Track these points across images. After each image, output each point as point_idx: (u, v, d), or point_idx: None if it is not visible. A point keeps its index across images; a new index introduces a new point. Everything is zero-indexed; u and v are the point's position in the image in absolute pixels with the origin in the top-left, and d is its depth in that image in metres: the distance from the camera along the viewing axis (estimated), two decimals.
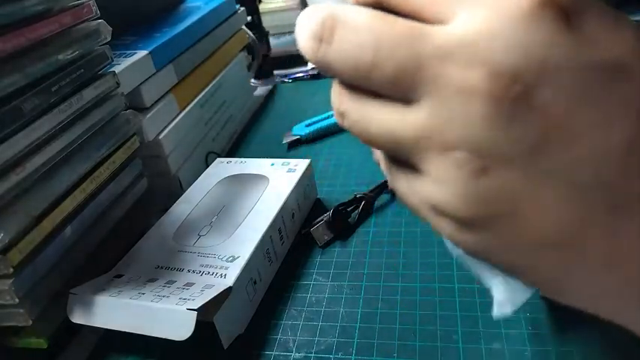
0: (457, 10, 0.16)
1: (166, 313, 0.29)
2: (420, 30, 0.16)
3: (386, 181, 0.45)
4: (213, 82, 0.57)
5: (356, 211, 0.42)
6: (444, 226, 0.19)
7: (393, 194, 0.45)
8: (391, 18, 0.17)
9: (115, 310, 0.31)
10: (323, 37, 0.18)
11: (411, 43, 0.16)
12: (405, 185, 0.19)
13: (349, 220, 0.42)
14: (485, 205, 0.16)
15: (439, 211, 0.18)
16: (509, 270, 0.19)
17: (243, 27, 0.67)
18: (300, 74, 0.77)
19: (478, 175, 0.16)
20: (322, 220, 0.40)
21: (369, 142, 0.19)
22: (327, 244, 0.40)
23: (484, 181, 0.16)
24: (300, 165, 0.43)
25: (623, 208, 0.16)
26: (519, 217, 0.16)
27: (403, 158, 0.18)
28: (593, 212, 0.16)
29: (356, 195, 0.43)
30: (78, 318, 0.32)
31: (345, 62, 0.17)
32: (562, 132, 0.15)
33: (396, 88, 0.17)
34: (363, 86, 0.18)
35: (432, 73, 0.16)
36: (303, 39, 0.18)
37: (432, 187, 0.17)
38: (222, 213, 0.39)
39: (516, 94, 0.15)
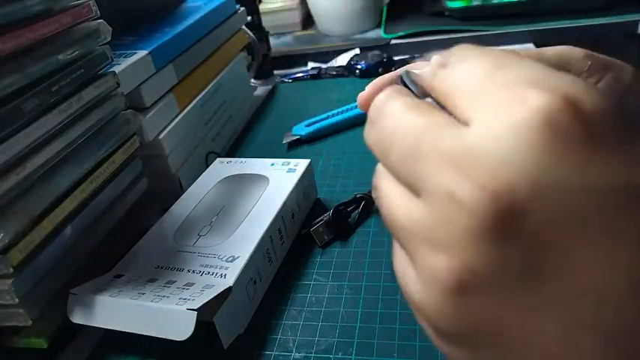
0: (473, 115, 0.16)
1: (166, 313, 0.29)
2: (438, 127, 0.16)
3: None
4: (213, 82, 0.57)
5: (356, 211, 0.42)
6: (424, 326, 0.18)
7: None
8: (423, 110, 0.17)
9: (115, 310, 0.31)
10: (371, 120, 0.19)
11: (420, 136, 0.16)
12: (400, 268, 0.19)
13: (349, 220, 0.42)
14: (465, 325, 0.15)
15: (420, 310, 0.17)
16: None
17: (243, 27, 0.67)
18: (300, 74, 0.77)
19: (459, 292, 0.15)
20: (322, 220, 0.40)
21: (384, 220, 0.19)
22: (327, 244, 0.40)
23: (464, 300, 0.15)
24: (300, 165, 0.43)
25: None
26: (503, 344, 0.15)
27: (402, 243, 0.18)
28: (594, 355, 0.14)
29: (356, 195, 0.43)
30: (78, 318, 0.32)
31: (375, 144, 0.19)
32: (556, 261, 0.14)
33: (401, 175, 0.17)
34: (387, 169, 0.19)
35: (428, 171, 0.16)
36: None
37: (417, 286, 0.17)
38: (222, 213, 0.39)
39: (504, 214, 0.14)
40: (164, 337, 0.29)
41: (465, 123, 0.16)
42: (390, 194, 0.18)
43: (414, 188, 0.17)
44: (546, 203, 0.14)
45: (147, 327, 0.30)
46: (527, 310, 0.14)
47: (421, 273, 0.16)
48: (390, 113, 0.18)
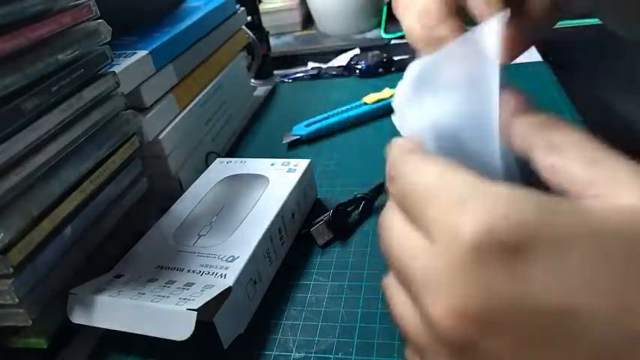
0: (427, 232, 0.17)
1: (166, 313, 0.29)
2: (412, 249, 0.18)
3: (384, 182, 0.45)
4: (213, 82, 0.57)
5: (356, 211, 0.42)
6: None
7: None
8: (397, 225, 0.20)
9: (115, 310, 0.31)
10: (389, 176, 0.21)
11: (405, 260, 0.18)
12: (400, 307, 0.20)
13: (349, 220, 0.42)
14: None
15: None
16: None
17: (243, 27, 0.67)
18: (300, 74, 0.77)
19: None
20: (322, 220, 0.40)
21: (384, 250, 0.21)
22: (327, 244, 0.40)
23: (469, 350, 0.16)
24: (300, 165, 0.43)
25: None
26: None
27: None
28: None
29: (356, 195, 0.43)
30: (78, 318, 0.32)
31: (394, 196, 0.20)
32: None
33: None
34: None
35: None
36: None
37: (419, 328, 0.18)
38: (222, 213, 0.39)
39: (458, 338, 0.15)
40: (164, 338, 0.29)
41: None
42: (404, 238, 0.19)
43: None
44: (493, 326, 0.15)
45: (147, 327, 0.30)
46: None
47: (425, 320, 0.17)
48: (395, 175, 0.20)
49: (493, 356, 0.15)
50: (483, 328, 0.15)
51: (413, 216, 0.19)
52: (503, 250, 0.15)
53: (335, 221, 0.40)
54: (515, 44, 0.24)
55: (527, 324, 0.15)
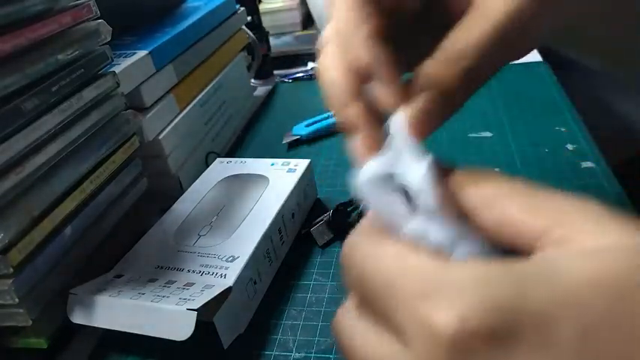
0: (407, 334, 0.16)
1: (166, 314, 0.29)
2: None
3: None
4: (213, 82, 0.57)
5: (356, 211, 0.42)
6: None
7: None
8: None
9: (115, 310, 0.31)
10: (343, 266, 0.19)
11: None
12: None
13: (349, 220, 0.42)
14: None
15: None
16: None
17: (243, 27, 0.67)
18: (300, 74, 0.77)
19: None
20: (322, 220, 0.40)
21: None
22: (327, 244, 0.40)
23: None
24: (300, 165, 0.43)
25: None
26: None
27: None
28: None
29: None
30: (78, 318, 0.32)
31: (352, 288, 0.19)
32: None
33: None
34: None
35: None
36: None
37: None
38: (222, 213, 0.39)
39: None
40: (164, 337, 0.29)
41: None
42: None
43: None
44: None
45: (147, 327, 0.30)
46: None
47: None
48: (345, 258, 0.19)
49: None
50: None
51: (377, 311, 0.17)
52: (485, 339, 0.14)
53: (335, 221, 0.40)
54: (428, 122, 0.21)
55: None
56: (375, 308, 0.17)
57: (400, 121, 0.20)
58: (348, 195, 0.43)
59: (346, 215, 0.42)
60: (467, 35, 0.21)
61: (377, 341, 0.17)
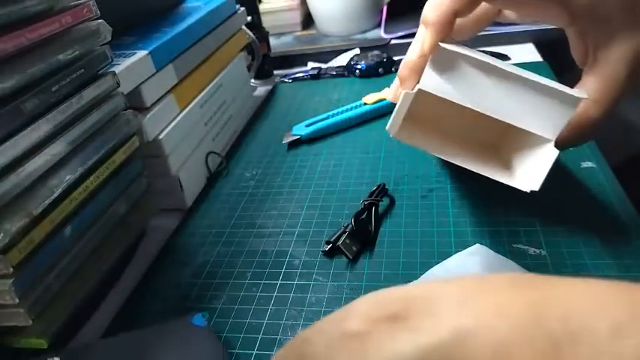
0: None
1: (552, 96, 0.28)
2: None
3: (384, 184, 0.45)
4: (213, 82, 0.57)
5: (369, 218, 0.41)
6: None
7: (391, 198, 0.45)
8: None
9: (476, 81, 0.29)
10: None
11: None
12: None
13: (369, 227, 0.41)
14: None
15: None
16: None
17: (243, 27, 0.67)
18: (300, 74, 0.77)
19: None
20: (344, 232, 0.39)
21: None
22: (357, 255, 0.39)
23: None
24: None
25: None
26: None
27: None
28: None
29: (365, 202, 0.42)
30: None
31: None
32: None
33: None
34: None
35: None
36: None
37: None
38: None
39: None
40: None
41: None
42: None
43: None
44: None
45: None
46: None
47: None
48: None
49: None
50: None
51: None
52: (382, 320, 0.16)
53: (358, 232, 0.39)
54: None
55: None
56: None
57: None
58: (347, 195, 0.43)
59: (366, 223, 0.41)
60: None
61: None
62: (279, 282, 0.37)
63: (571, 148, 0.46)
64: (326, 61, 0.81)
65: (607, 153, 0.45)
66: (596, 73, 0.30)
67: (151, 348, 0.31)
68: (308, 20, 0.98)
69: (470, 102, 0.30)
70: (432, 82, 0.30)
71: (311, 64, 0.82)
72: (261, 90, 0.74)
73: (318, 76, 0.75)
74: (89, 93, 0.36)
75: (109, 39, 0.38)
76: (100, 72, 0.38)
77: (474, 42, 0.75)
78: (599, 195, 0.40)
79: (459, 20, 0.32)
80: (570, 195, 0.41)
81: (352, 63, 0.73)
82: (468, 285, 0.17)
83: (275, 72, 0.79)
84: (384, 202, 0.44)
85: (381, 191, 0.44)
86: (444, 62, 0.30)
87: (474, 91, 0.30)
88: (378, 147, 0.52)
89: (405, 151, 0.50)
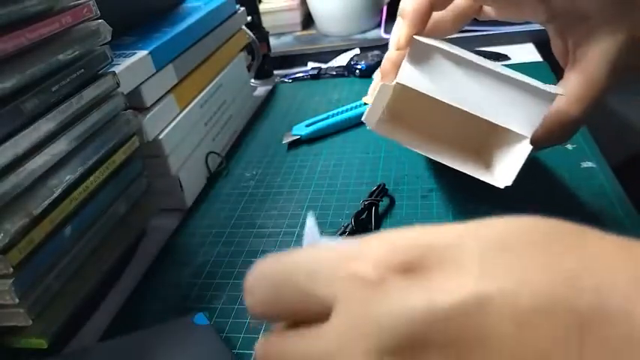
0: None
1: (525, 92, 0.28)
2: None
3: (384, 184, 0.45)
4: (213, 82, 0.57)
5: (369, 218, 0.42)
6: None
7: (391, 198, 0.45)
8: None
9: (451, 75, 0.29)
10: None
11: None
12: None
13: (369, 226, 0.41)
14: None
15: None
16: None
17: (243, 27, 0.67)
18: (300, 74, 0.77)
19: None
20: (344, 232, 0.39)
21: None
22: None
23: None
24: None
25: None
26: None
27: None
28: None
29: (365, 202, 0.42)
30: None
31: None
32: None
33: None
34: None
35: None
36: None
37: None
38: None
39: None
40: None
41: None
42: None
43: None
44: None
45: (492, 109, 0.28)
46: None
47: None
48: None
49: None
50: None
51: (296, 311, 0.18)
52: (398, 270, 0.16)
53: (358, 232, 0.39)
54: None
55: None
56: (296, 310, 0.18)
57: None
58: (348, 195, 0.43)
59: (367, 223, 0.41)
60: None
61: (302, 338, 0.17)
62: None
63: (571, 148, 0.47)
64: (326, 61, 0.81)
65: (607, 153, 0.45)
66: (577, 72, 0.30)
67: (152, 349, 0.31)
68: (308, 20, 0.98)
69: (446, 96, 0.29)
70: (409, 75, 0.30)
71: (311, 64, 0.81)
72: (261, 90, 0.74)
73: (318, 76, 0.75)
74: (89, 93, 0.36)
75: (109, 39, 0.38)
76: (100, 72, 0.38)
77: (474, 42, 0.75)
78: (599, 195, 0.40)
79: (437, 17, 0.32)
80: (570, 195, 0.41)
81: (352, 63, 0.73)
82: (490, 236, 0.16)
83: (275, 72, 0.79)
84: (384, 202, 0.44)
85: (381, 191, 0.44)
86: (420, 56, 0.30)
87: (450, 85, 0.29)
88: (378, 147, 0.52)
89: (405, 151, 0.50)
